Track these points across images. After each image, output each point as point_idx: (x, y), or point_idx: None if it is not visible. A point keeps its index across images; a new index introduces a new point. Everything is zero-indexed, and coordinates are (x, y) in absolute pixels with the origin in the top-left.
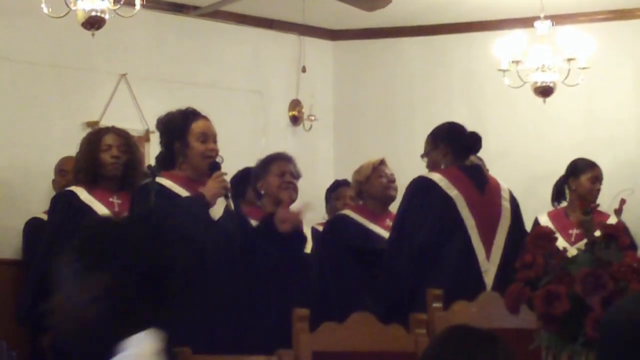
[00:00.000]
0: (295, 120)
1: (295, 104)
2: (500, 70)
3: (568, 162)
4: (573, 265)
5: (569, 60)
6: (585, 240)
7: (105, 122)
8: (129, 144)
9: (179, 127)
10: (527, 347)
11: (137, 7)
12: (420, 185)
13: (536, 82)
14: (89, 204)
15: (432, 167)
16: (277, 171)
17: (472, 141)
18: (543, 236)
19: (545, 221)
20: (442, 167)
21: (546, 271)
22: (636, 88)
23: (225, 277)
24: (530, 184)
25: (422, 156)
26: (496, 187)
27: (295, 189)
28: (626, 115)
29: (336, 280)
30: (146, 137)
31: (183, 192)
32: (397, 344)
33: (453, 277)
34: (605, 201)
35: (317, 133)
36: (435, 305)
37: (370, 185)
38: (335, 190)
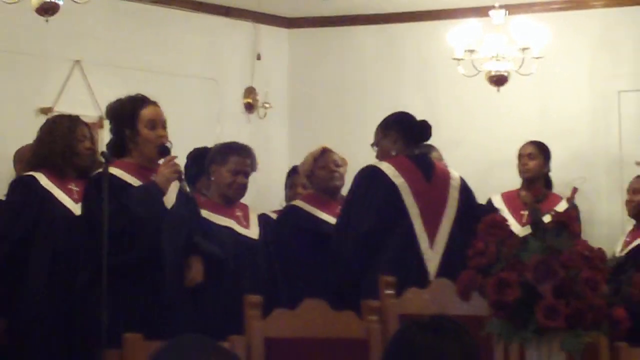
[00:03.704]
0: (249, 107)
1: (250, 92)
2: (454, 59)
3: None
4: (525, 253)
5: (523, 49)
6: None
7: (58, 109)
8: (92, 135)
9: (128, 114)
10: (479, 333)
11: None
12: (366, 174)
13: (490, 71)
14: (49, 189)
15: (381, 156)
16: (232, 167)
17: (422, 129)
18: (495, 224)
19: (498, 201)
20: (393, 154)
21: (498, 258)
22: (590, 78)
23: (179, 265)
24: (483, 172)
25: (373, 145)
26: (445, 176)
27: (244, 190)
28: (579, 104)
29: (290, 275)
30: (100, 124)
31: (134, 181)
32: (349, 331)
33: (395, 264)
34: (558, 189)
35: (271, 120)
36: (387, 292)
37: (314, 177)
38: (290, 177)
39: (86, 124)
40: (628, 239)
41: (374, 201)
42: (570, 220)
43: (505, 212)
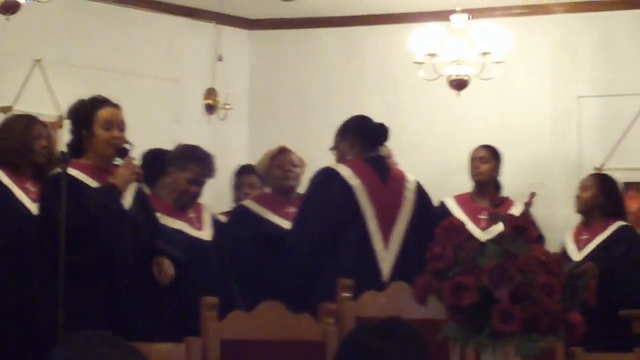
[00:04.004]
0: (210, 108)
1: (211, 93)
2: (415, 62)
3: None
4: (482, 257)
5: (484, 54)
6: (494, 227)
7: (18, 107)
8: (51, 135)
9: (85, 114)
10: (435, 337)
11: None
12: (323, 175)
13: (451, 75)
14: (10, 187)
15: (339, 160)
16: (189, 176)
17: (379, 133)
18: (453, 228)
19: (452, 205)
20: (349, 158)
21: (455, 263)
22: (550, 83)
23: (138, 267)
24: (441, 176)
25: (331, 149)
26: (400, 178)
27: (195, 199)
28: (539, 110)
29: (242, 276)
30: (59, 123)
31: (91, 182)
32: (305, 333)
33: (350, 264)
34: (516, 194)
35: (231, 122)
36: (344, 295)
37: (269, 176)
38: (238, 178)
39: (43, 123)
40: (586, 237)
41: (330, 202)
42: (527, 225)
43: (463, 217)
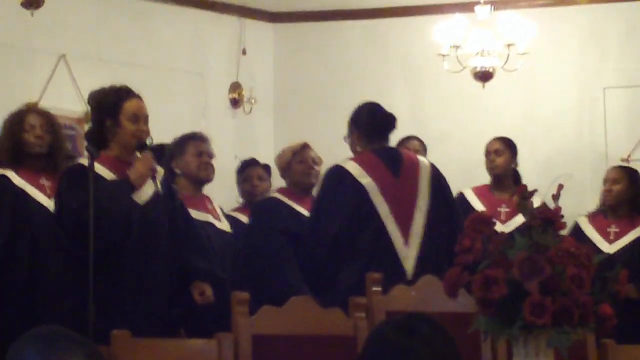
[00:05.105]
0: (235, 102)
1: (236, 87)
2: (439, 54)
3: None
4: (511, 250)
5: (509, 45)
6: (515, 219)
7: (44, 103)
8: (52, 123)
9: (111, 104)
10: (466, 331)
11: None
12: (332, 175)
13: (475, 67)
14: (22, 187)
15: (351, 149)
16: (194, 151)
17: (385, 123)
18: (482, 221)
19: (471, 196)
20: (358, 149)
21: (484, 255)
22: (575, 74)
23: (155, 260)
24: (469, 169)
25: (344, 138)
26: (413, 167)
27: (212, 169)
28: (565, 101)
29: (267, 267)
30: (86, 119)
31: (108, 174)
32: (336, 328)
33: (369, 266)
34: (543, 186)
35: (257, 116)
36: (374, 289)
37: (290, 171)
38: (243, 172)
39: (40, 113)
40: (616, 230)
41: (343, 203)
42: (556, 217)
43: (482, 209)
